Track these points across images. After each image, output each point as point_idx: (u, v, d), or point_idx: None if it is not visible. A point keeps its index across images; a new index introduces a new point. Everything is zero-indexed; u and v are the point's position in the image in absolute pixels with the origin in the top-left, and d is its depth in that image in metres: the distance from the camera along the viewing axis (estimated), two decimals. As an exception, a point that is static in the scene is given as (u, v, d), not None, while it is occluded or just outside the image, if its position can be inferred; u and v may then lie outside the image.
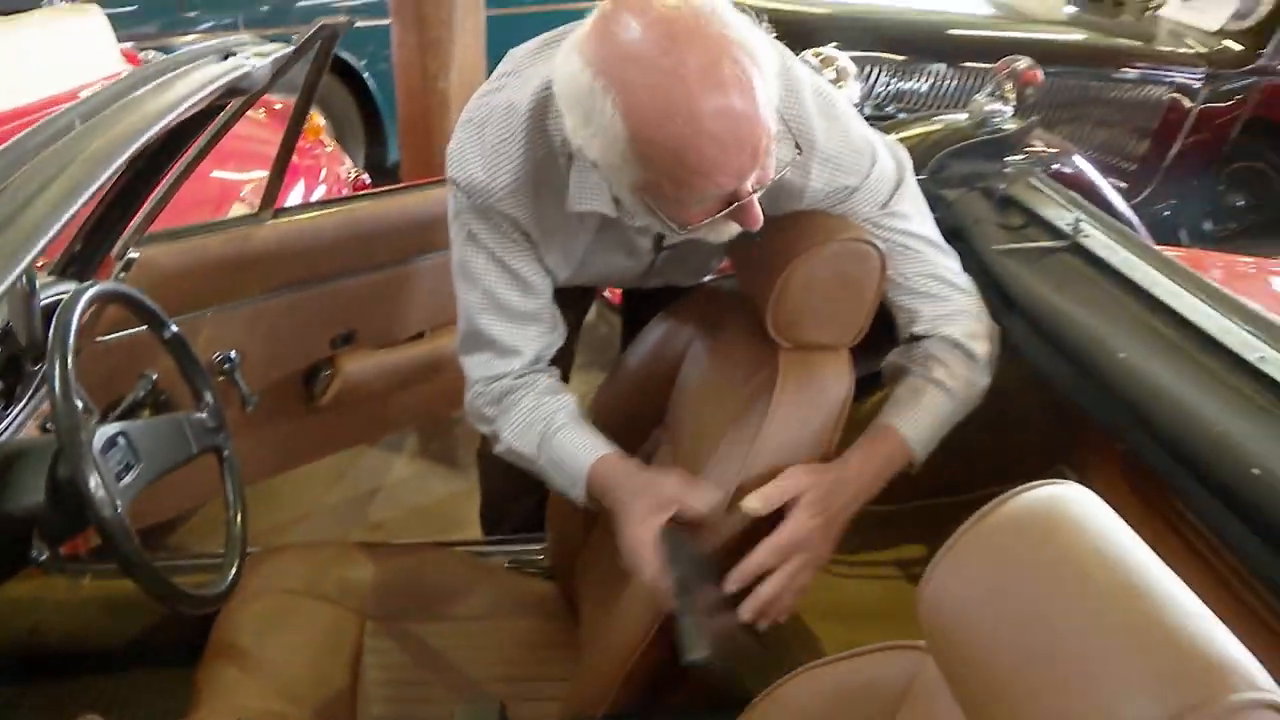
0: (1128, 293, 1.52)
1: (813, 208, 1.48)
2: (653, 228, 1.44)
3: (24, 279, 0.89)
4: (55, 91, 2.96)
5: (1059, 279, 1.59)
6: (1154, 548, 0.84)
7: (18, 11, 3.36)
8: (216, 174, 2.91)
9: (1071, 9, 4.17)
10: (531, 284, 1.54)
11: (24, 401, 1.63)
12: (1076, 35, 3.94)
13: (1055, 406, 1.69)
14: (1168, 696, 0.70)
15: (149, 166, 1.73)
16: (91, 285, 1.44)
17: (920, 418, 1.55)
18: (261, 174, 2.89)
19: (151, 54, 3.52)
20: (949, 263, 1.58)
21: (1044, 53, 3.12)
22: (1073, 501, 0.87)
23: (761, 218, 1.25)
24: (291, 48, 1.61)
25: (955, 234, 1.79)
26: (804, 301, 1.40)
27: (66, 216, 0.83)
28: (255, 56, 1.46)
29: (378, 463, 3.15)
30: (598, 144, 1.20)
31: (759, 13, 3.36)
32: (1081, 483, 0.90)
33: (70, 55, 3.13)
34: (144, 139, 0.97)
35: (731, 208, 1.22)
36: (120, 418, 1.82)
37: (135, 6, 4.74)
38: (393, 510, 2.97)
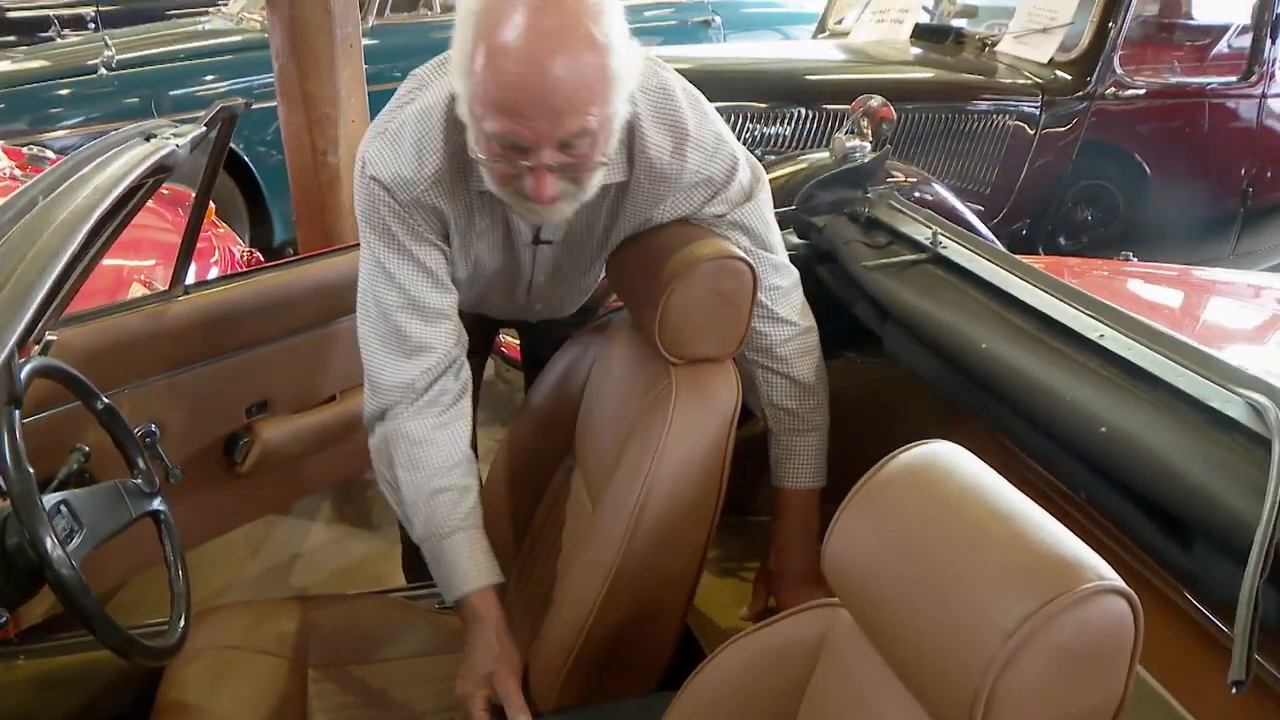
0: (985, 293, 1.70)
1: (682, 202, 1.65)
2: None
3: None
4: (-57, 190, 2.98)
5: (924, 287, 1.77)
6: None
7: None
8: (110, 261, 2.94)
9: (917, 50, 4.45)
10: (443, 281, 1.65)
11: None
12: (924, 74, 4.22)
13: (931, 407, 1.86)
14: (1034, 590, 0.85)
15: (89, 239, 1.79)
16: (27, 361, 1.51)
17: (802, 465, 1.82)
18: (152, 261, 2.95)
19: (35, 148, 3.54)
20: (779, 281, 1.74)
21: (896, 91, 3.37)
22: (944, 454, 1.02)
23: (550, 196, 1.38)
24: (199, 129, 1.71)
25: (827, 256, 1.97)
26: (686, 319, 1.55)
27: (49, 282, 0.92)
28: (174, 137, 1.55)
29: (294, 530, 3.19)
30: (458, 63, 1.34)
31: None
32: None
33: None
34: (100, 209, 1.06)
35: (522, 165, 1.35)
36: (58, 489, 1.87)
37: (2, 105, 4.74)
38: (314, 574, 3.01)
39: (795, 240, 2.09)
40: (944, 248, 1.82)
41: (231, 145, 4.91)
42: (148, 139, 1.51)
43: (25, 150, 3.51)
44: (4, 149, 3.45)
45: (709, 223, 1.69)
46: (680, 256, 1.58)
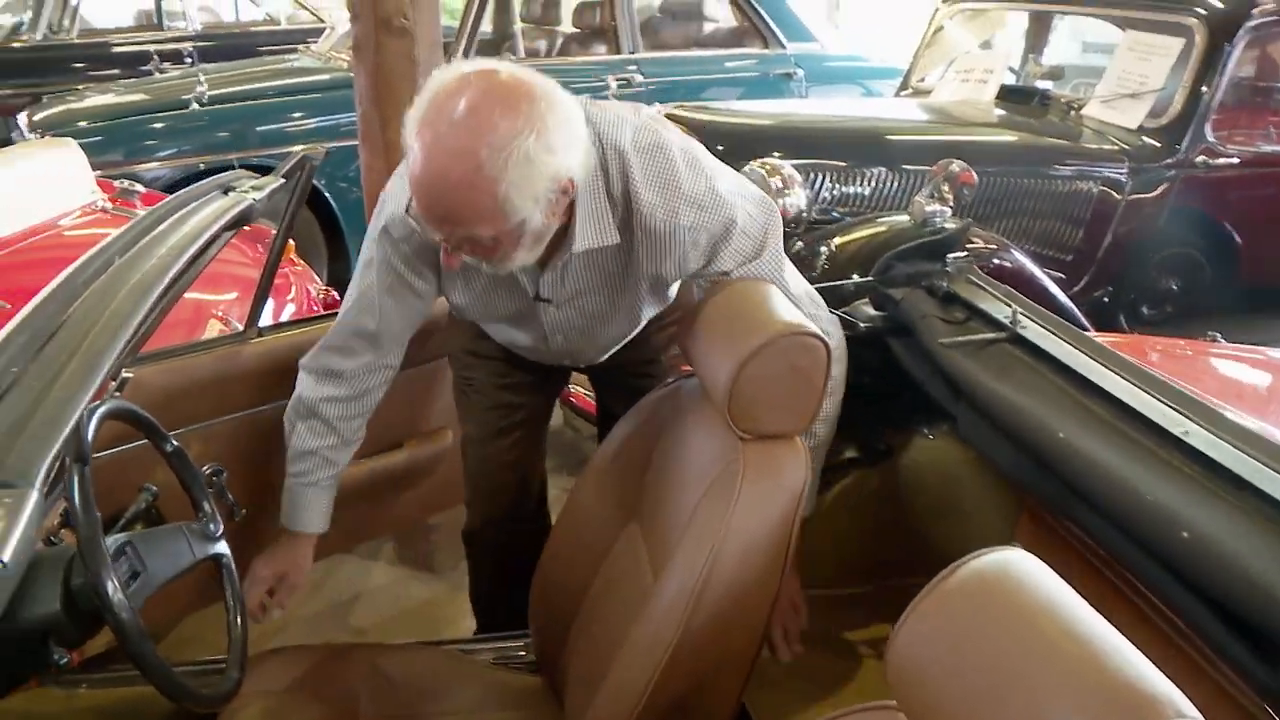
0: (1064, 378, 1.65)
1: (688, 258, 1.70)
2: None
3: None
4: (36, 221, 3.07)
5: (1001, 368, 1.73)
6: (1097, 606, 0.95)
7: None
8: (190, 295, 3.00)
9: (1001, 112, 4.40)
10: (414, 307, 1.85)
11: None
12: (1007, 136, 4.17)
13: (1004, 488, 1.81)
14: (1108, 721, 0.80)
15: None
16: (102, 404, 1.53)
17: None
18: (232, 295, 3.00)
19: (125, 182, 3.63)
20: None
21: (978, 154, 3.33)
22: (1017, 564, 0.98)
23: (455, 265, 1.56)
24: (278, 180, 1.74)
25: (903, 329, 1.94)
26: (758, 395, 1.52)
27: (122, 342, 0.93)
28: (252, 190, 1.57)
29: (356, 570, 3.19)
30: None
31: (701, 126, 3.57)
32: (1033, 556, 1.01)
33: (49, 187, 3.24)
34: (175, 269, 1.08)
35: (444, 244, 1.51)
36: (121, 529, 1.90)
37: (101, 137, 4.89)
38: (373, 616, 3.01)
39: (872, 312, 2.05)
40: (1023, 327, 1.78)
41: (314, 182, 5.11)
42: (226, 192, 1.53)
43: (117, 184, 3.61)
44: (98, 181, 3.54)
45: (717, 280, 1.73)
46: (752, 328, 1.55)
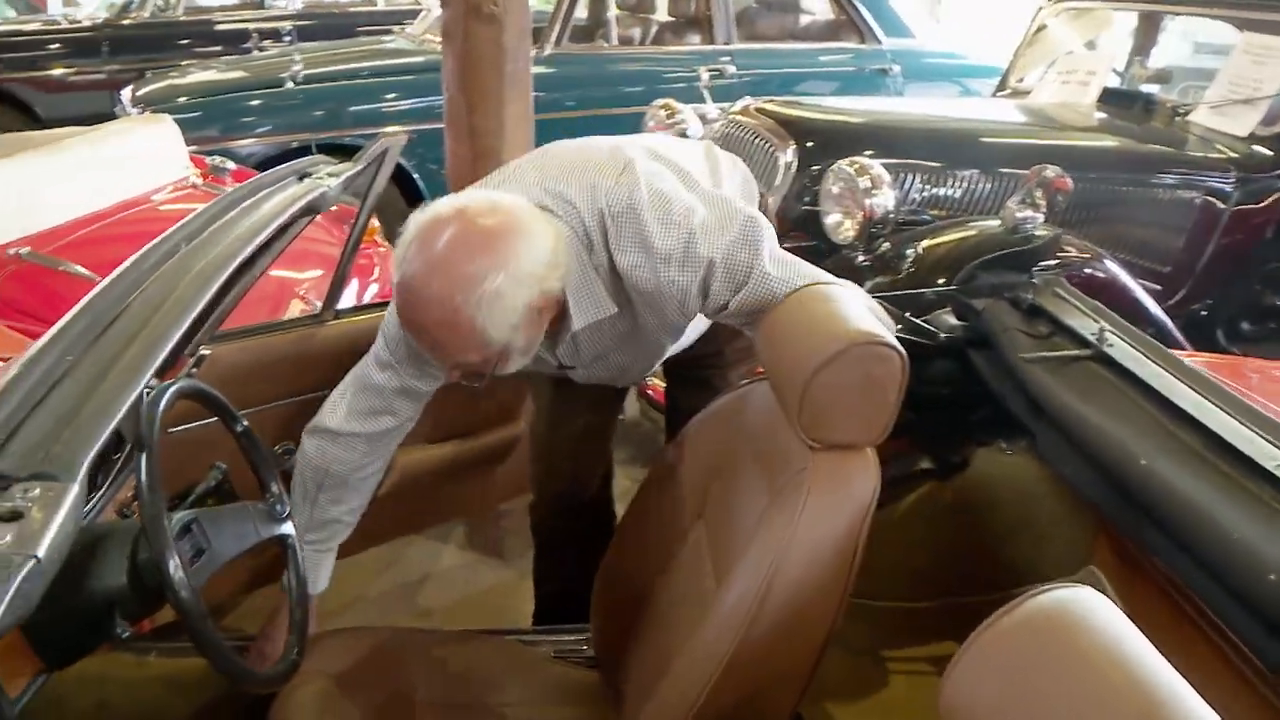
0: (1151, 401, 1.58)
1: (687, 305, 1.70)
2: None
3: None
4: (133, 194, 3.14)
5: (1084, 388, 1.66)
6: (1176, 648, 0.90)
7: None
8: (275, 273, 3.05)
9: (1102, 115, 4.26)
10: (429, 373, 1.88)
11: (104, 488, 1.73)
12: (1108, 142, 4.03)
13: (1082, 509, 1.74)
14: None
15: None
16: (174, 383, 1.55)
17: None
18: (316, 273, 3.04)
19: (218, 159, 3.69)
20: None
21: (1075, 159, 3.22)
22: (1084, 604, 0.93)
23: (455, 380, 1.70)
24: (356, 167, 1.74)
25: (985, 341, 1.88)
26: (829, 404, 1.48)
27: (180, 331, 0.93)
28: (328, 177, 1.58)
29: (426, 552, 3.21)
30: None
31: (789, 121, 3.51)
32: (1109, 583, 0.97)
33: (145, 161, 3.31)
34: (241, 257, 1.08)
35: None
36: (190, 505, 1.93)
37: (199, 113, 5.00)
38: (441, 598, 3.03)
39: (953, 321, 1.99)
40: (1109, 345, 1.71)
41: (402, 162, 5.17)
42: (301, 178, 1.53)
43: (209, 161, 3.67)
44: (191, 157, 3.61)
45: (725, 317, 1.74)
46: (827, 336, 1.51)
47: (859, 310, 1.59)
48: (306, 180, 1.54)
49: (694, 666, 1.54)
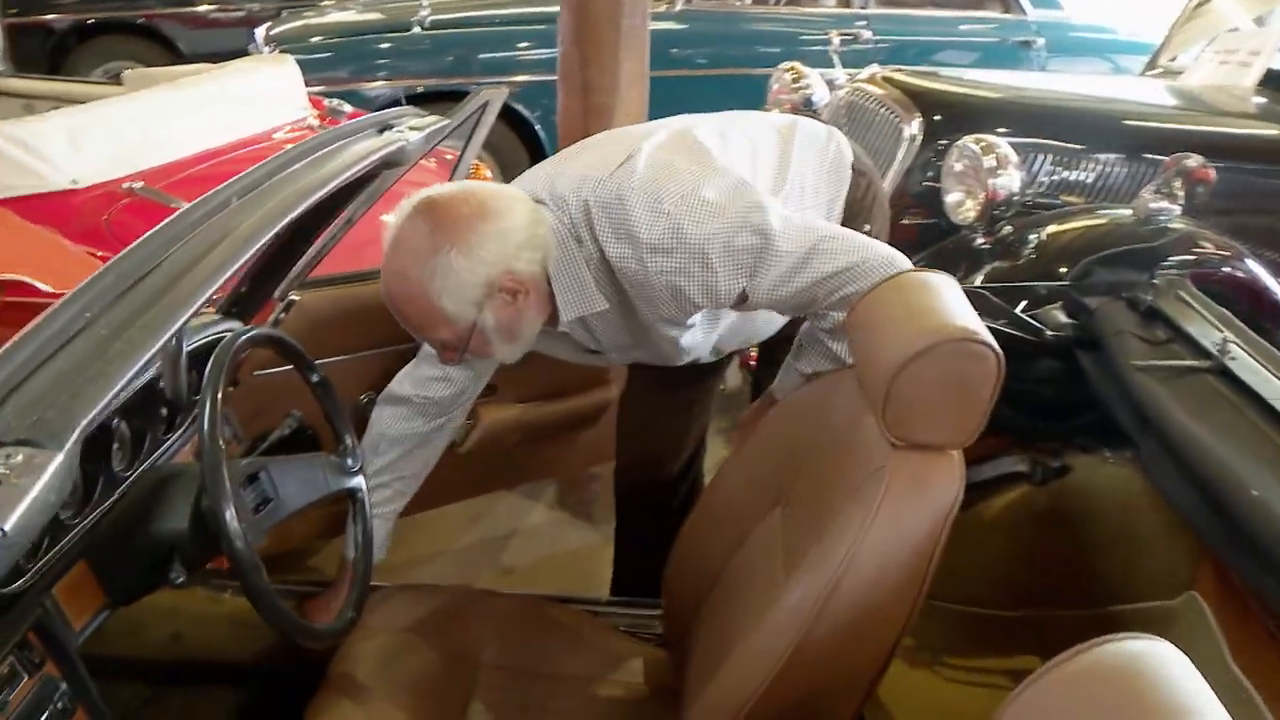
0: (1272, 424, 1.45)
1: (689, 298, 1.67)
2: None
3: (174, 339, 0.97)
4: (250, 133, 3.18)
5: (1198, 403, 1.53)
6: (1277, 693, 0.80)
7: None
8: (385, 217, 3.06)
9: (1261, 100, 3.97)
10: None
11: (182, 429, 1.75)
12: (1264, 130, 3.75)
13: (1187, 530, 1.62)
14: None
15: (313, 217, 1.84)
16: (247, 330, 1.54)
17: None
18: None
19: (335, 101, 3.72)
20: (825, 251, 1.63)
21: (1226, 147, 3.01)
22: (1157, 659, 0.84)
23: (449, 361, 1.72)
24: (444, 120, 1.71)
25: (1094, 343, 1.75)
26: (915, 401, 1.39)
27: (212, 289, 0.90)
28: (411, 130, 1.54)
29: (515, 509, 3.22)
30: None
31: (917, 93, 3.36)
32: (1210, 613, 0.87)
33: (265, 101, 3.35)
34: (293, 215, 1.04)
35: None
36: (266, 452, 1.94)
37: (330, 54, 5.05)
38: (524, 557, 3.02)
39: (1062, 319, 1.87)
40: (1232, 358, 1.58)
41: (527, 115, 5.16)
42: (383, 130, 1.50)
43: (327, 102, 3.70)
44: (310, 98, 3.64)
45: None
46: (918, 329, 1.42)
47: (956, 302, 1.49)
48: (388, 133, 1.51)
49: (753, 658, 1.49)
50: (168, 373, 0.97)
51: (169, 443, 1.71)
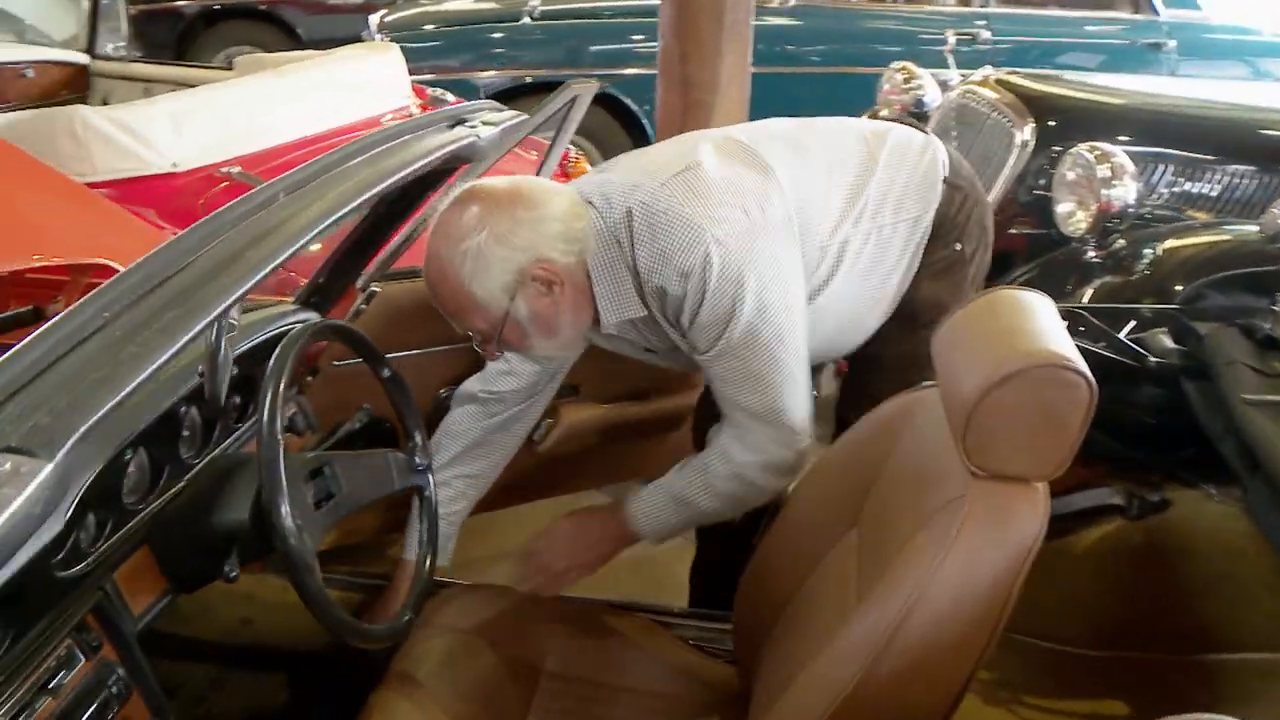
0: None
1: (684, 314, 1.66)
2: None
3: (213, 334, 0.95)
4: (352, 120, 3.20)
5: (1313, 444, 1.42)
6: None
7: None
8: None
9: None
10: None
11: (253, 419, 1.75)
12: None
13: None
14: None
15: (394, 208, 1.83)
16: (316, 322, 1.53)
17: (656, 495, 1.83)
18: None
19: (438, 90, 3.73)
20: (778, 387, 1.68)
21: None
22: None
23: (491, 357, 1.75)
24: (522, 116, 1.68)
25: (1201, 372, 1.64)
26: (999, 429, 1.30)
27: (245, 289, 0.87)
28: (484, 125, 1.51)
29: (599, 508, 3.17)
30: None
31: (1033, 98, 3.22)
32: None
33: (369, 89, 3.37)
34: (341, 211, 1.01)
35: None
36: (336, 445, 1.94)
37: (441, 42, 5.09)
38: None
39: (1168, 344, 1.75)
40: (1356, 399, 1.45)
41: (634, 109, 5.12)
42: (454, 126, 1.47)
43: (430, 91, 3.71)
44: (414, 87, 3.65)
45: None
46: (1006, 352, 1.33)
47: (1049, 325, 1.40)
48: (459, 128, 1.47)
49: (818, 686, 1.42)
50: (208, 370, 0.95)
51: (239, 431, 1.72)
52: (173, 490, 1.59)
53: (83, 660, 1.36)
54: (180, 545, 1.54)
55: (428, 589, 1.72)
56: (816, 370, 2.17)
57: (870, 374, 1.96)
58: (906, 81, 3.75)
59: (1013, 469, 1.34)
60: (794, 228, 1.69)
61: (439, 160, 1.38)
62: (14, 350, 0.72)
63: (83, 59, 4.17)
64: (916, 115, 3.66)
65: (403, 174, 1.17)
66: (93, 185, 2.54)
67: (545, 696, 1.80)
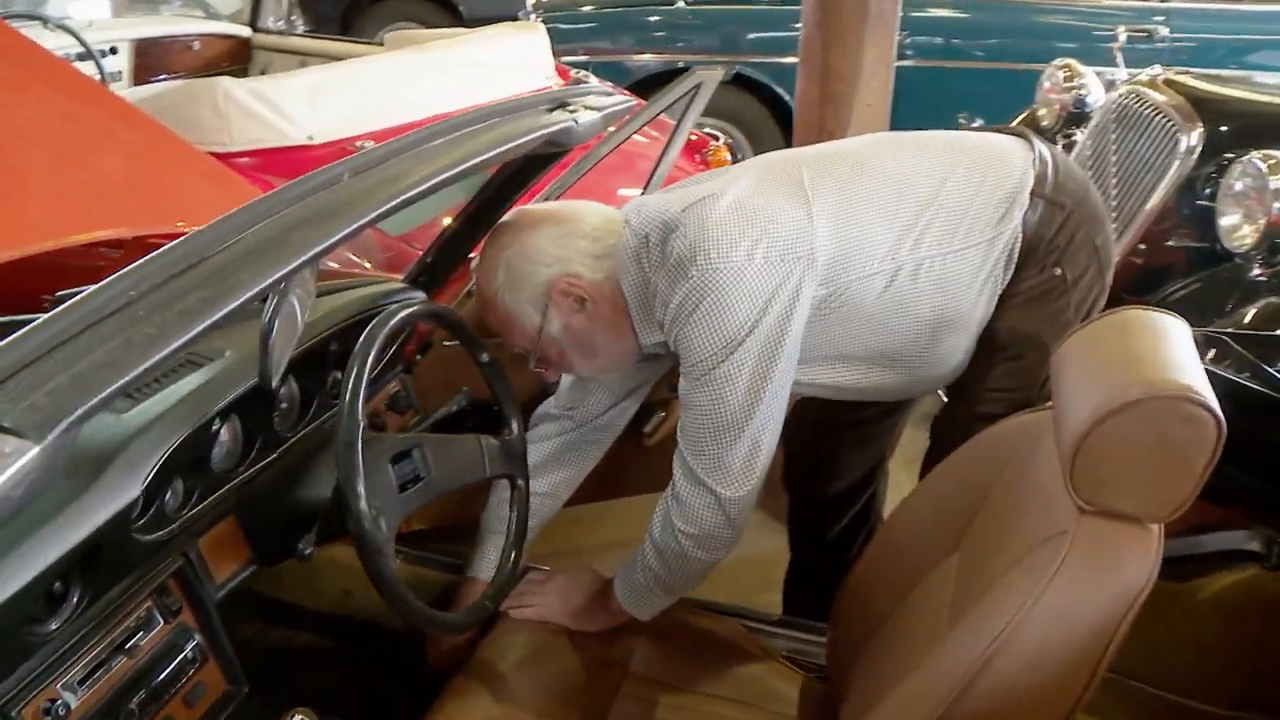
0: None
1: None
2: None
3: (267, 315, 0.93)
4: (486, 99, 3.20)
5: None
6: None
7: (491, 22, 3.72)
8: (623, 190, 2.99)
9: None
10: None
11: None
12: None
13: None
14: None
15: (505, 189, 1.81)
16: (406, 305, 1.52)
17: (633, 575, 1.74)
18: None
19: (581, 71, 3.71)
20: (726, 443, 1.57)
21: None
22: None
23: (554, 377, 1.82)
24: (626, 100, 1.64)
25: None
26: (1111, 462, 1.19)
27: (284, 272, 0.84)
28: (585, 110, 1.46)
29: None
30: None
31: (1202, 100, 3.00)
32: None
33: (510, 68, 3.37)
34: (405, 196, 0.98)
35: None
36: (433, 427, 1.93)
37: (595, 24, 5.08)
38: (719, 557, 2.93)
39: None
40: None
41: (785, 98, 5.02)
42: (554, 109, 1.42)
43: (573, 72, 3.70)
44: (557, 68, 3.65)
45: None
46: (1125, 378, 1.22)
47: (1180, 352, 1.27)
48: (558, 112, 1.43)
49: (897, 718, 1.34)
50: (261, 352, 0.93)
51: (337, 407, 1.72)
52: (264, 462, 1.60)
53: (161, 623, 1.39)
54: (265, 518, 1.55)
55: (512, 580, 1.69)
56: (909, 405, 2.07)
57: (957, 404, 1.85)
58: (1068, 79, 3.55)
59: (1123, 507, 1.22)
60: (816, 265, 1.58)
61: (529, 146, 1.33)
62: (31, 326, 0.71)
63: (245, 32, 4.33)
64: (1076, 116, 3.46)
65: (480, 159, 1.14)
66: (231, 155, 2.62)
67: (625, 698, 1.76)
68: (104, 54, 3.67)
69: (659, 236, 1.60)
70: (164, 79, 3.86)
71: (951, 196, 1.67)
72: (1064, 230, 1.70)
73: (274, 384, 1.01)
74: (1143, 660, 1.30)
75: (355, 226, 0.90)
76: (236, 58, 4.27)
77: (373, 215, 0.92)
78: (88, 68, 3.48)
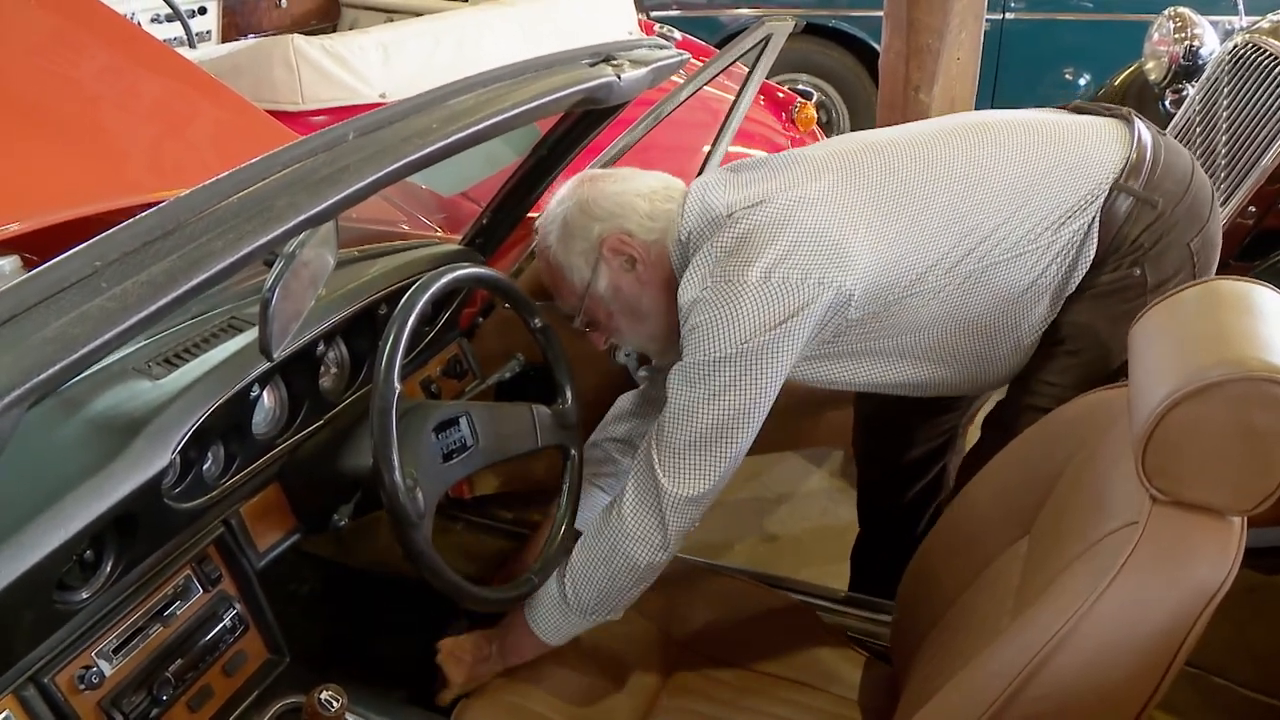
0: None
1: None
2: None
3: (269, 281, 0.88)
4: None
5: None
6: None
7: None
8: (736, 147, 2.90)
9: None
10: None
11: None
12: None
13: None
14: None
15: (557, 147, 1.77)
16: (449, 269, 1.47)
17: (541, 602, 1.59)
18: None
19: (665, 27, 3.63)
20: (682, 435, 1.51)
21: None
22: None
23: (601, 344, 1.74)
24: (679, 55, 1.56)
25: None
26: (1187, 447, 1.09)
27: (267, 239, 0.79)
28: (630, 65, 1.38)
29: (793, 472, 3.09)
30: None
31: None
32: None
33: (591, 23, 3.29)
34: (414, 157, 0.92)
35: None
36: (485, 394, 1.89)
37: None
38: (793, 524, 2.89)
39: None
40: None
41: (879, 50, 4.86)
42: (597, 63, 1.35)
43: (656, 28, 3.62)
44: (641, 23, 3.57)
45: None
46: (1206, 357, 1.11)
47: (1272, 329, 1.16)
48: (602, 65, 1.36)
49: (955, 709, 1.27)
50: (260, 321, 0.89)
51: None
52: (311, 428, 1.58)
53: (200, 592, 1.38)
54: (310, 486, 1.53)
55: (560, 554, 1.65)
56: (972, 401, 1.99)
57: (1015, 398, 1.77)
58: (1179, 29, 3.33)
59: (1200, 497, 1.12)
60: (849, 287, 1.53)
61: (567, 102, 1.27)
62: (-9, 296, 0.68)
63: (333, -12, 4.31)
64: (1186, 70, 3.25)
65: (506, 116, 1.07)
66: (304, 114, 2.60)
67: (683, 672, 1.73)
68: (192, 14, 3.69)
69: (700, 231, 1.58)
70: (253, 38, 3.87)
71: (1023, 204, 1.57)
72: (1150, 230, 1.56)
73: (276, 356, 0.96)
74: (1233, 658, 1.20)
75: (351, 191, 0.85)
76: (325, 15, 4.27)
77: (372, 180, 0.87)
78: (175, 28, 3.50)
